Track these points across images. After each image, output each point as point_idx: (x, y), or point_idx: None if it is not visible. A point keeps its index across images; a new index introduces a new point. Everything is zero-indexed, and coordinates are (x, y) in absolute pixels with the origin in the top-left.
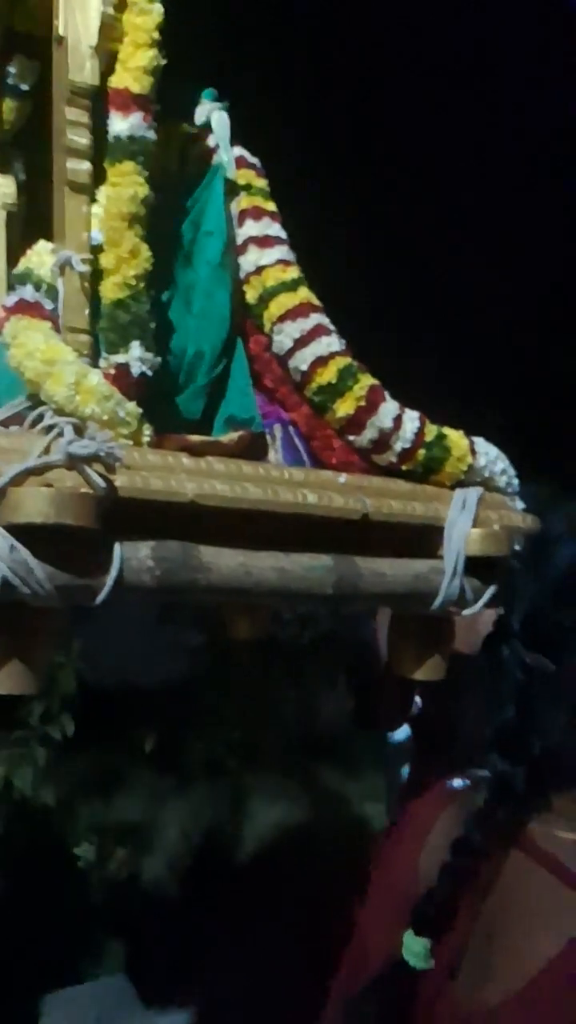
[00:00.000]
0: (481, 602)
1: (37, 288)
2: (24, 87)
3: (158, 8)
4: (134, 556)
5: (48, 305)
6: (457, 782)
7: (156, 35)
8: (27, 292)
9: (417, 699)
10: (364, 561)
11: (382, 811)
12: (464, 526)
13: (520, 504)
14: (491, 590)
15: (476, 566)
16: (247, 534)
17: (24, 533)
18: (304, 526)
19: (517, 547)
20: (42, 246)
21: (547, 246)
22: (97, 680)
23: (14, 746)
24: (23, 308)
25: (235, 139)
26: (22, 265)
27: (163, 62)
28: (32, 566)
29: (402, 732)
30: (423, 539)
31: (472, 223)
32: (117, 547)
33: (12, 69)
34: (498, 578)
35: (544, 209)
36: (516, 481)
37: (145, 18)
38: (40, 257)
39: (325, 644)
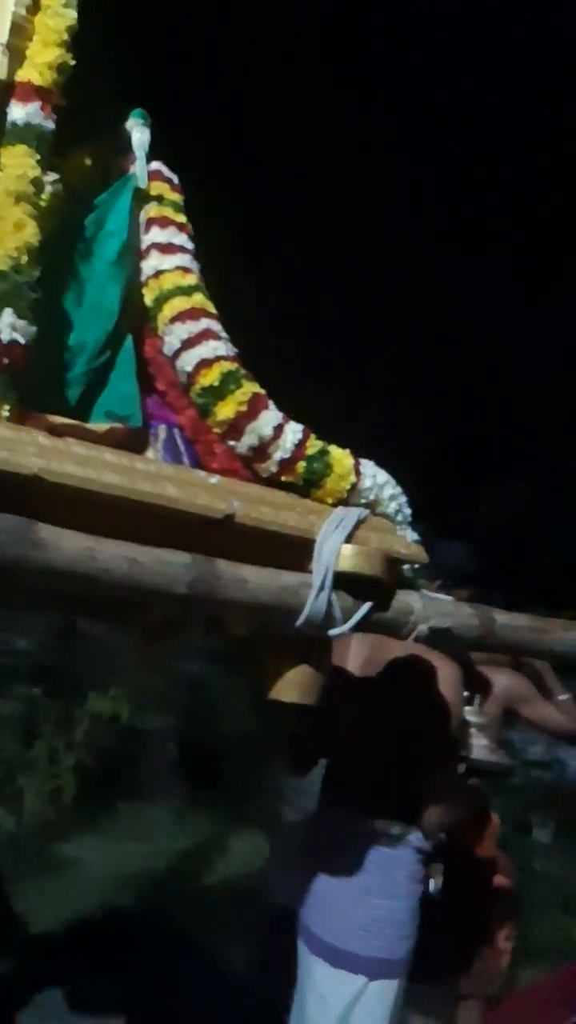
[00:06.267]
0: (352, 622)
1: None
2: None
3: (71, 13)
4: None
5: None
6: None
7: (65, 36)
8: None
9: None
10: (226, 565)
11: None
12: (336, 542)
13: (412, 535)
14: (364, 609)
15: (355, 588)
16: (103, 525)
17: None
18: (166, 524)
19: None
20: None
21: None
22: None
23: None
24: None
25: (164, 158)
26: None
27: (71, 62)
28: None
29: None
30: (297, 555)
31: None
32: None
33: None
34: (374, 598)
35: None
36: (408, 510)
37: (57, 20)
38: None
39: None
